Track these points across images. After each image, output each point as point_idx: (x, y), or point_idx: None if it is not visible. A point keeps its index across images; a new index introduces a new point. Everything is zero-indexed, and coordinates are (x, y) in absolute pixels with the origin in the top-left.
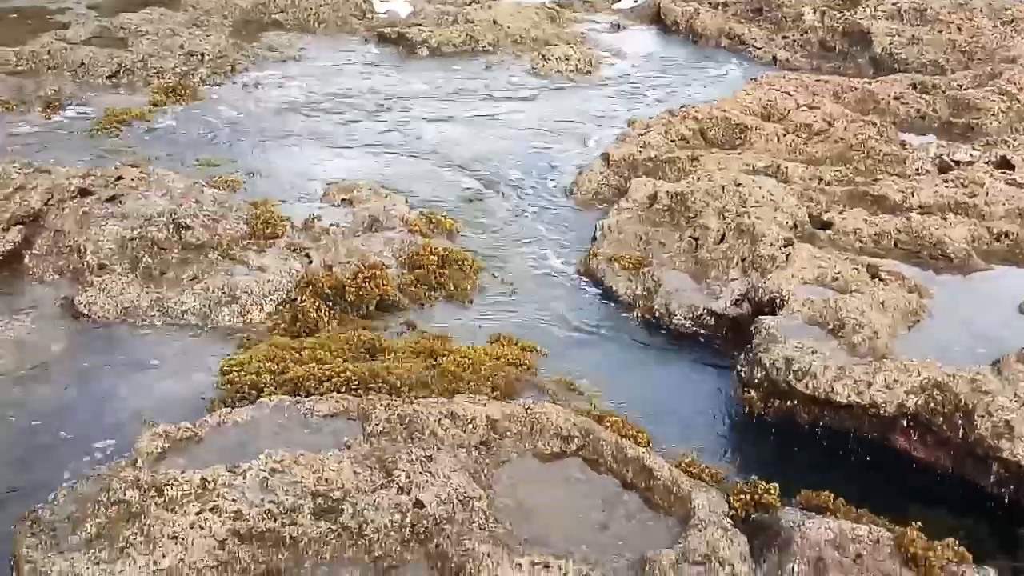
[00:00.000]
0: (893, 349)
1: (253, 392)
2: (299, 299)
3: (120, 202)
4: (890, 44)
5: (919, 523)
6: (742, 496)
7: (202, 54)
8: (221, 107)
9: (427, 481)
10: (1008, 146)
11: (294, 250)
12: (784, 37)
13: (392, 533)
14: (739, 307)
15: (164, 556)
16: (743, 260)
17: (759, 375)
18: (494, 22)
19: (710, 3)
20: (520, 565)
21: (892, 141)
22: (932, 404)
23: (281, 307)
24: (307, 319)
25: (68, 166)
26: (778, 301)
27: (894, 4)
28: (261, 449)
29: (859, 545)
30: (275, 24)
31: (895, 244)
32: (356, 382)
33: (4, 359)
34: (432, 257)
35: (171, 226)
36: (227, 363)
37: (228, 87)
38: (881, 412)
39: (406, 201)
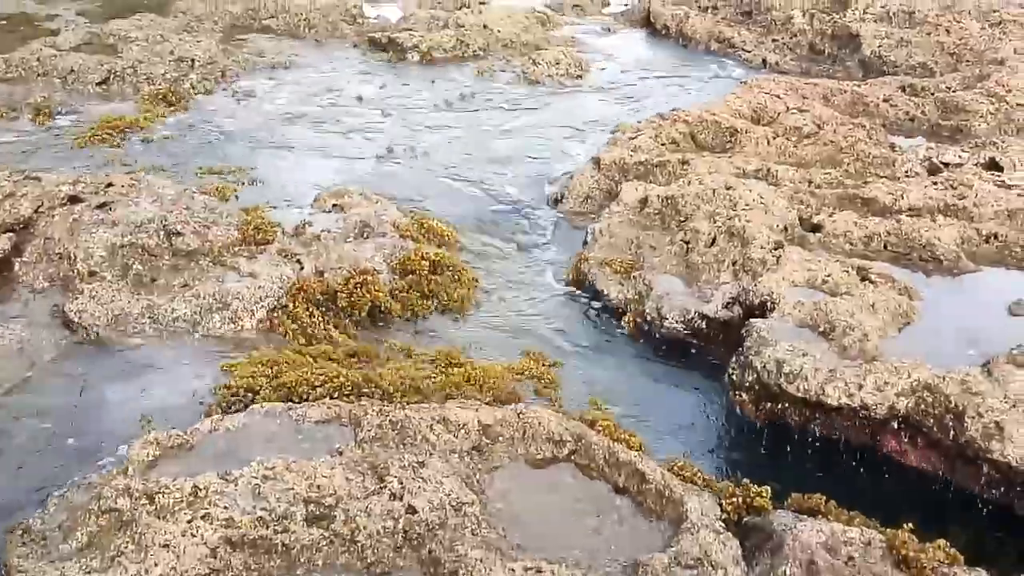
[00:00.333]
0: (883, 351)
1: (249, 395)
2: (291, 305)
3: (110, 209)
4: (879, 47)
5: (910, 525)
6: (734, 499)
7: (192, 60)
8: (212, 115)
9: (419, 487)
10: (997, 148)
11: (285, 256)
12: (774, 40)
13: (384, 539)
14: (730, 310)
15: (156, 564)
16: (734, 263)
17: (750, 378)
18: (484, 26)
19: (700, 7)
20: (513, 570)
21: (881, 144)
22: (922, 406)
23: (272, 313)
24: (299, 324)
25: (58, 174)
26: (769, 304)
27: (883, 7)
28: (253, 456)
29: (851, 547)
30: (265, 30)
31: (885, 246)
32: (349, 387)
33: None
34: (423, 262)
35: (162, 233)
36: (225, 364)
37: (219, 95)
38: (872, 414)
39: (397, 207)
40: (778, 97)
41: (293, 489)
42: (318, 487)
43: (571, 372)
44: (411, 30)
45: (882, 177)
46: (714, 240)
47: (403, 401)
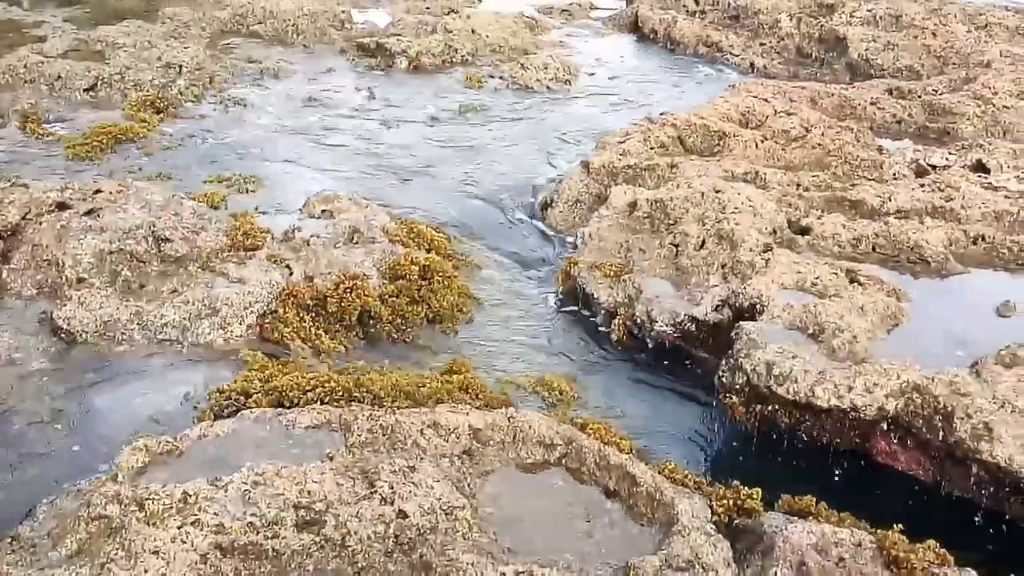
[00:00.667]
0: (873, 353)
1: (241, 398)
2: (281, 311)
3: (98, 215)
4: (866, 50)
5: (900, 526)
6: (725, 501)
7: (180, 66)
8: (201, 123)
9: (410, 491)
10: (983, 150)
11: (275, 262)
12: (761, 44)
13: (375, 544)
14: (720, 313)
15: (146, 571)
16: (723, 266)
17: (740, 380)
18: (472, 31)
19: (687, 11)
20: (504, 574)
21: (869, 146)
22: (912, 407)
23: (262, 319)
24: (292, 328)
25: (46, 180)
26: (758, 306)
27: (869, 10)
28: (243, 462)
29: (841, 548)
30: (253, 35)
31: (873, 248)
32: (340, 392)
33: None
34: (413, 267)
35: (150, 239)
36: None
37: (207, 103)
38: (861, 416)
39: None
40: (766, 101)
41: (283, 495)
42: (308, 492)
43: (550, 360)
44: (399, 35)
45: (870, 180)
46: (703, 243)
47: (394, 406)
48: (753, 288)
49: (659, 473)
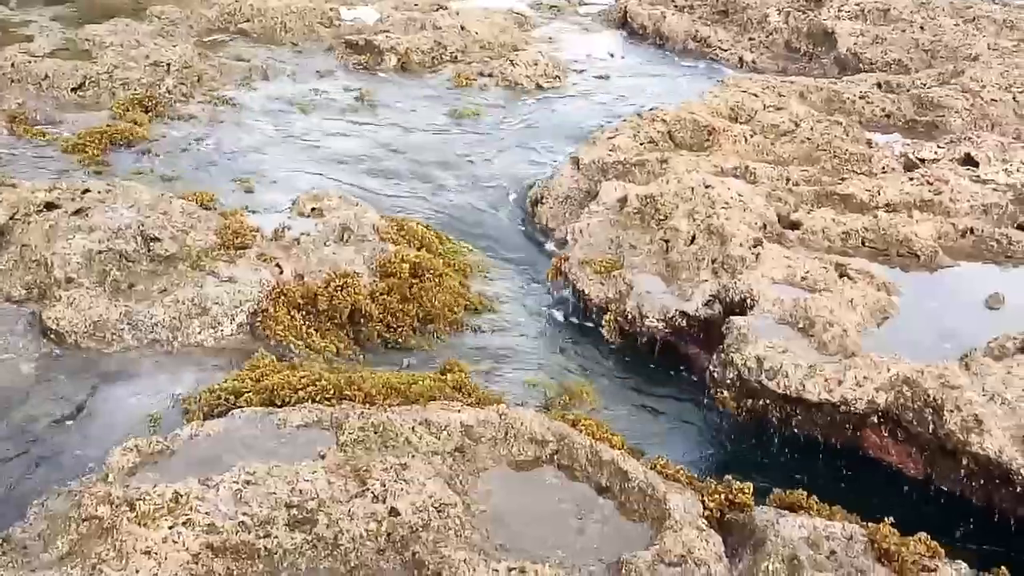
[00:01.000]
0: (863, 346)
1: (232, 398)
2: (271, 309)
3: (87, 215)
4: (854, 44)
5: (891, 519)
6: (716, 496)
7: (168, 64)
8: (188, 121)
9: (402, 489)
10: (972, 143)
11: (264, 260)
12: (750, 39)
13: (368, 542)
14: (710, 308)
15: (137, 571)
16: (713, 261)
17: (731, 375)
18: (462, 28)
19: (676, 6)
20: (496, 571)
21: (858, 140)
22: (902, 400)
23: (253, 317)
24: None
25: (35, 181)
26: (748, 301)
27: (857, 4)
28: (234, 461)
29: (833, 542)
30: (241, 33)
31: (863, 242)
32: (331, 390)
33: None
34: (404, 265)
35: (139, 238)
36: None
37: (195, 103)
38: (852, 409)
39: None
40: (755, 95)
41: (275, 494)
42: (300, 491)
43: (551, 370)
44: (388, 32)
45: (859, 174)
46: (693, 238)
47: (385, 404)
48: (743, 283)
49: (651, 469)
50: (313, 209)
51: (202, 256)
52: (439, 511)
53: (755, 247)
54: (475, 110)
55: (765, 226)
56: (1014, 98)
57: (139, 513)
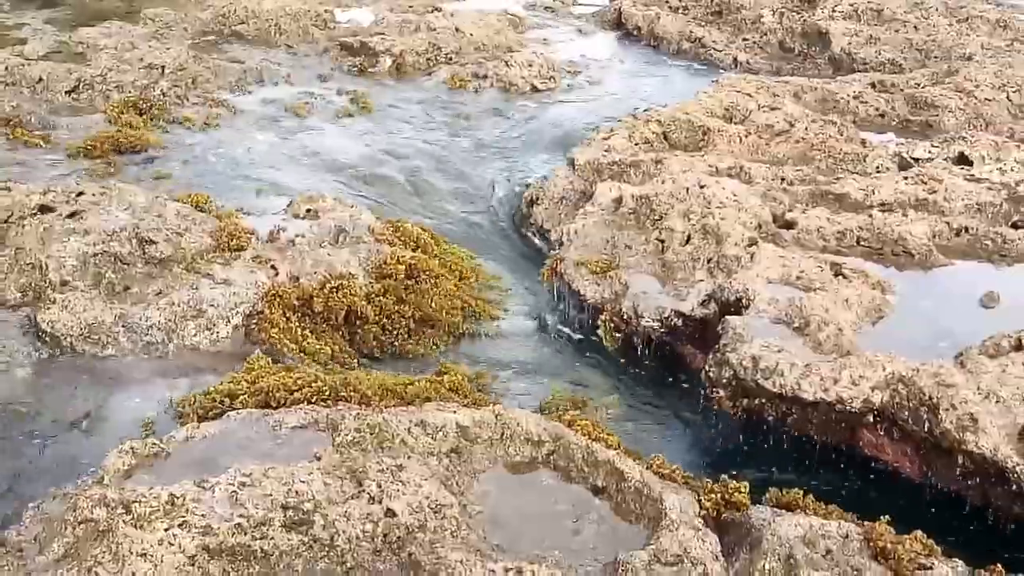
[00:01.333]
0: (858, 345)
1: (227, 399)
2: (267, 311)
3: (82, 218)
4: (848, 44)
5: (887, 518)
6: (713, 495)
7: (162, 67)
8: (183, 124)
9: (398, 490)
10: (966, 142)
11: (260, 262)
12: (744, 39)
13: (364, 543)
14: (706, 308)
15: (133, 574)
16: (709, 261)
17: (727, 374)
18: (456, 30)
19: (670, 7)
20: (493, 571)
21: (852, 140)
22: (897, 399)
23: (248, 319)
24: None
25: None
26: (744, 301)
27: (851, 4)
28: (230, 463)
29: (829, 541)
30: (236, 36)
31: (857, 241)
32: (327, 392)
33: None
34: (399, 266)
35: (134, 241)
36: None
37: (189, 106)
38: (847, 408)
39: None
40: (749, 95)
41: (271, 495)
42: (296, 492)
43: (545, 368)
44: (383, 34)
45: (853, 173)
46: (689, 238)
47: (381, 405)
48: (739, 282)
49: (647, 469)
50: (308, 211)
51: (197, 258)
52: (435, 512)
53: (750, 247)
54: (470, 112)
55: (760, 226)
56: (1008, 97)
57: (135, 515)
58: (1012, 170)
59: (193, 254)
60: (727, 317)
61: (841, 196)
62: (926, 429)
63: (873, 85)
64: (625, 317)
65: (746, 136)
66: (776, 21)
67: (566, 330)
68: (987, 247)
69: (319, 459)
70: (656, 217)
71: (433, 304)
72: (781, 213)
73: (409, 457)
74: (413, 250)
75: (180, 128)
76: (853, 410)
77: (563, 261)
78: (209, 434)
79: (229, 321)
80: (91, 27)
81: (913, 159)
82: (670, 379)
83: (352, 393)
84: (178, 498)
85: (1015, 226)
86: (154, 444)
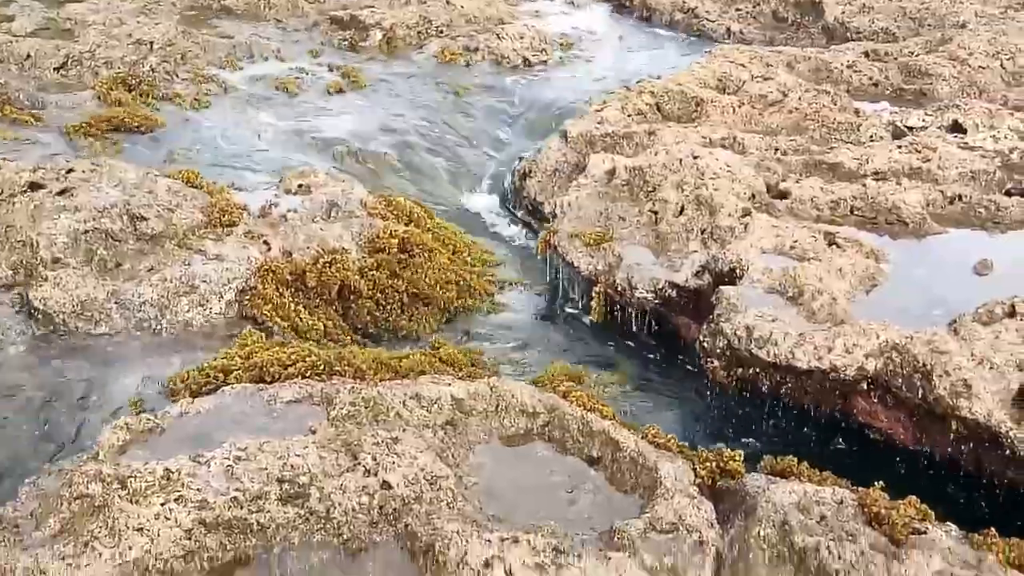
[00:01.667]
0: (852, 314)
1: (221, 375)
2: (260, 286)
3: (72, 195)
4: (842, 13)
5: (881, 483)
6: (708, 464)
7: (151, 43)
8: (173, 100)
9: (393, 462)
10: (959, 110)
11: (252, 237)
12: (737, 9)
13: (360, 515)
14: (700, 278)
15: (130, 548)
16: (702, 232)
17: (721, 344)
18: (447, 2)
19: None
20: (489, 541)
21: (846, 109)
22: (891, 366)
23: (241, 295)
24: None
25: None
26: (738, 271)
27: None
28: (225, 438)
29: (823, 507)
30: (225, 10)
31: (851, 211)
32: (321, 366)
33: None
34: (392, 240)
35: (125, 217)
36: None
37: (178, 82)
38: (842, 376)
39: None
40: (743, 66)
41: (266, 469)
42: (292, 466)
43: (539, 341)
44: (373, 7)
45: (847, 142)
46: (682, 209)
47: (375, 378)
48: (732, 253)
49: (642, 438)
50: (300, 186)
51: (189, 234)
52: (431, 484)
53: (744, 217)
54: (461, 86)
55: (754, 196)
56: (1001, 65)
57: (131, 490)
58: (1005, 138)
59: (185, 230)
60: (721, 287)
61: (835, 165)
62: (920, 396)
63: (867, 54)
64: (619, 289)
65: (739, 106)
66: None
67: (561, 303)
68: (981, 215)
69: (314, 433)
70: (649, 188)
71: (427, 279)
72: (775, 183)
73: (404, 430)
74: (406, 224)
75: (170, 105)
76: (847, 378)
77: (557, 233)
78: (204, 409)
79: (222, 297)
80: (79, 2)
81: (907, 128)
82: (664, 350)
83: (346, 367)
84: (173, 473)
85: (1008, 193)
86: (149, 420)
